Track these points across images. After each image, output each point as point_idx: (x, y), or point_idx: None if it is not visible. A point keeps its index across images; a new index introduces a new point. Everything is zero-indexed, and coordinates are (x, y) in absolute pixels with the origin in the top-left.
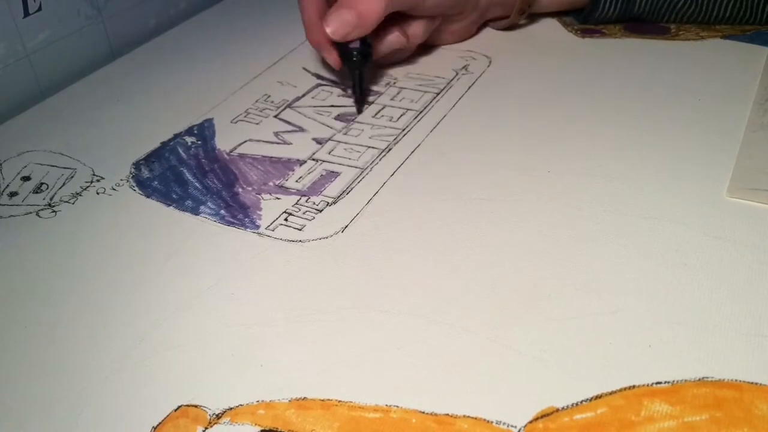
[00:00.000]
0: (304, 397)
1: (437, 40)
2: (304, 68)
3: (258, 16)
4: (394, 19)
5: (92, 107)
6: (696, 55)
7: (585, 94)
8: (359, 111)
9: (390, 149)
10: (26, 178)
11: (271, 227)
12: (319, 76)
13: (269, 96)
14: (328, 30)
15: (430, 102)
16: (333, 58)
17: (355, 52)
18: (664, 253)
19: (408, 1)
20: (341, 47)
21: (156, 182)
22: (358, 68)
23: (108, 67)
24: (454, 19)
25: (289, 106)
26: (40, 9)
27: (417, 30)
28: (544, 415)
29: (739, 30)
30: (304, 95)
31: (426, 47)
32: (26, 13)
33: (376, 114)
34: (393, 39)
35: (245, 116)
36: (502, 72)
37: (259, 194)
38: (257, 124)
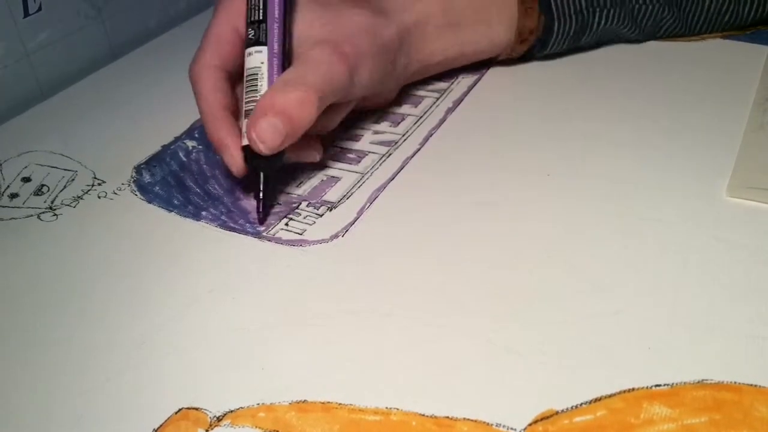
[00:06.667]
0: (305, 400)
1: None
2: None
3: None
4: None
5: (92, 108)
6: (696, 55)
7: (584, 95)
8: (261, 222)
9: (390, 154)
10: (27, 179)
11: (271, 232)
12: None
13: None
14: (261, 145)
15: (430, 107)
16: (236, 161)
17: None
18: (663, 254)
19: (337, 93)
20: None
21: (157, 187)
22: (262, 171)
23: (108, 67)
24: (375, 94)
25: None
26: (40, 9)
27: (336, 117)
28: (543, 418)
29: (739, 29)
30: None
31: None
32: (26, 14)
33: (376, 119)
34: (304, 154)
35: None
36: (501, 75)
37: None
38: None
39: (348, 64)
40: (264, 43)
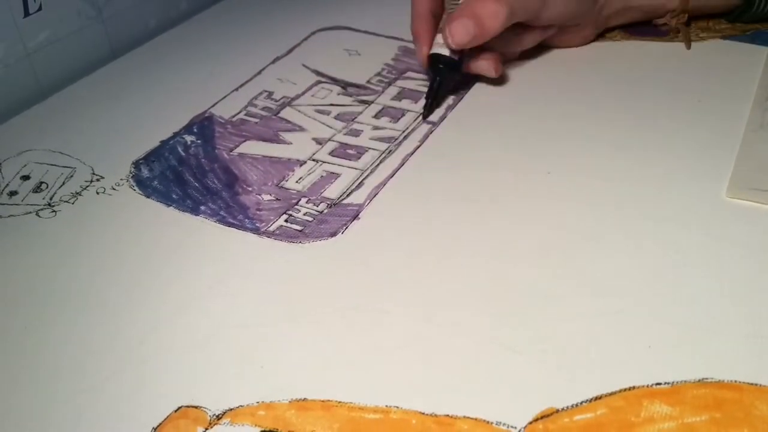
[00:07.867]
0: (305, 398)
1: (550, 44)
2: (304, 65)
3: (258, 17)
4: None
5: (92, 107)
6: (696, 55)
7: (585, 95)
8: (425, 117)
9: (390, 151)
10: (26, 177)
11: (270, 228)
12: (318, 73)
13: (269, 93)
14: (450, 38)
15: None
16: (423, 54)
17: (444, 61)
18: (663, 254)
19: (527, 13)
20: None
21: (156, 182)
22: (439, 76)
23: (108, 66)
24: (570, 29)
25: (289, 104)
26: (40, 9)
27: (528, 40)
28: (544, 416)
29: (739, 30)
30: (304, 93)
31: None
32: (26, 13)
33: (376, 114)
34: (483, 65)
35: (245, 114)
36: (503, 72)
37: (259, 195)
38: (257, 122)
39: None
40: None
